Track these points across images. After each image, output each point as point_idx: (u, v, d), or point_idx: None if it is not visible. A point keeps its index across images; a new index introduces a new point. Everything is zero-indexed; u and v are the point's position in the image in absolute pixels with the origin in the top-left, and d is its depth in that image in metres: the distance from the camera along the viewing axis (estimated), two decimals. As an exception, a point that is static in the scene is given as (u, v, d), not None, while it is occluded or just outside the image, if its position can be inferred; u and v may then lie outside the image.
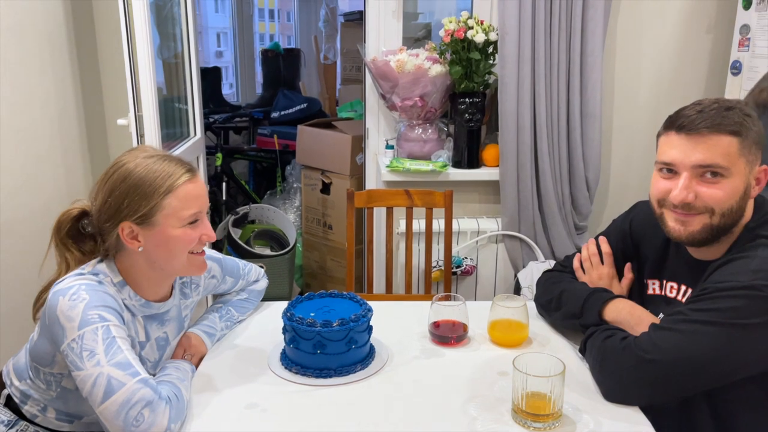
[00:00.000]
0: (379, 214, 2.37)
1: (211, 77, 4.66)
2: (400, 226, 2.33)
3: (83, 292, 1.06)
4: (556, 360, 1.04)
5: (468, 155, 2.45)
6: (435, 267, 2.38)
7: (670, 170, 1.14)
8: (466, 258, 2.45)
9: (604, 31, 2.29)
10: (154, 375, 1.18)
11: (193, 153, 2.60)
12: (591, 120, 2.35)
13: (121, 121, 1.94)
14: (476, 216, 2.52)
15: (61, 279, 1.11)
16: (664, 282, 1.29)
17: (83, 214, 1.18)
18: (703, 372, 1.05)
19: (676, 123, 1.12)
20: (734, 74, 2.29)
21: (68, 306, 1.04)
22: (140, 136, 1.91)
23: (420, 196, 2.07)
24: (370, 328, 1.24)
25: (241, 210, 3.36)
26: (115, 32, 2.05)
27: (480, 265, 2.48)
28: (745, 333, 1.02)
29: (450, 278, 2.15)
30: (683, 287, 1.24)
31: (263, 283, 1.53)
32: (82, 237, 1.19)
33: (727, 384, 1.07)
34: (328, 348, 1.17)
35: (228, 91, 5.88)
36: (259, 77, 5.53)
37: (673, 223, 1.15)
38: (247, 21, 5.70)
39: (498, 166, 2.40)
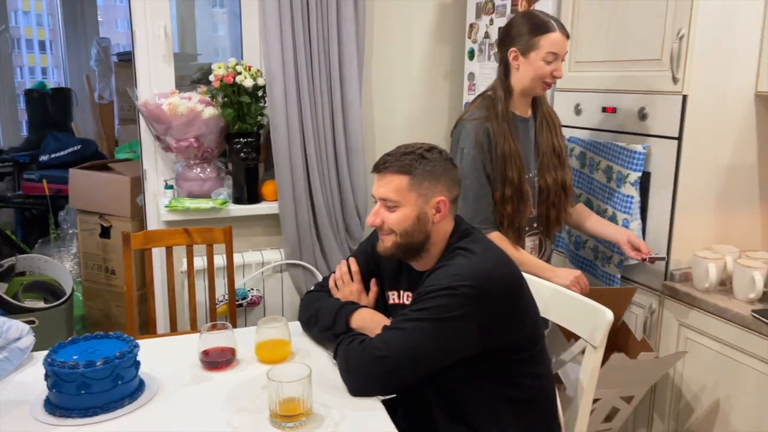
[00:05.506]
0: (161, 254, 2.39)
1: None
2: (183, 264, 2.37)
3: None
4: (304, 366, 1.22)
5: (248, 191, 2.57)
6: (221, 301, 2.45)
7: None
8: (252, 289, 2.56)
9: (360, 78, 2.59)
10: None
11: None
12: (355, 154, 2.62)
13: None
14: (260, 248, 2.65)
15: None
16: (401, 292, 1.55)
17: None
18: (423, 360, 1.29)
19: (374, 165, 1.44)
20: (465, 114, 2.74)
21: None
22: None
23: (199, 234, 2.15)
24: (137, 363, 1.30)
25: (6, 262, 3.07)
26: None
27: (267, 294, 2.60)
28: (449, 324, 1.28)
29: (235, 310, 2.25)
30: (414, 295, 1.50)
31: (28, 341, 1.47)
32: None
33: (450, 365, 1.33)
34: (93, 387, 1.20)
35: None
36: (24, 118, 5.06)
37: (377, 241, 1.46)
38: (5, 57, 5.14)
39: (277, 200, 2.56)
